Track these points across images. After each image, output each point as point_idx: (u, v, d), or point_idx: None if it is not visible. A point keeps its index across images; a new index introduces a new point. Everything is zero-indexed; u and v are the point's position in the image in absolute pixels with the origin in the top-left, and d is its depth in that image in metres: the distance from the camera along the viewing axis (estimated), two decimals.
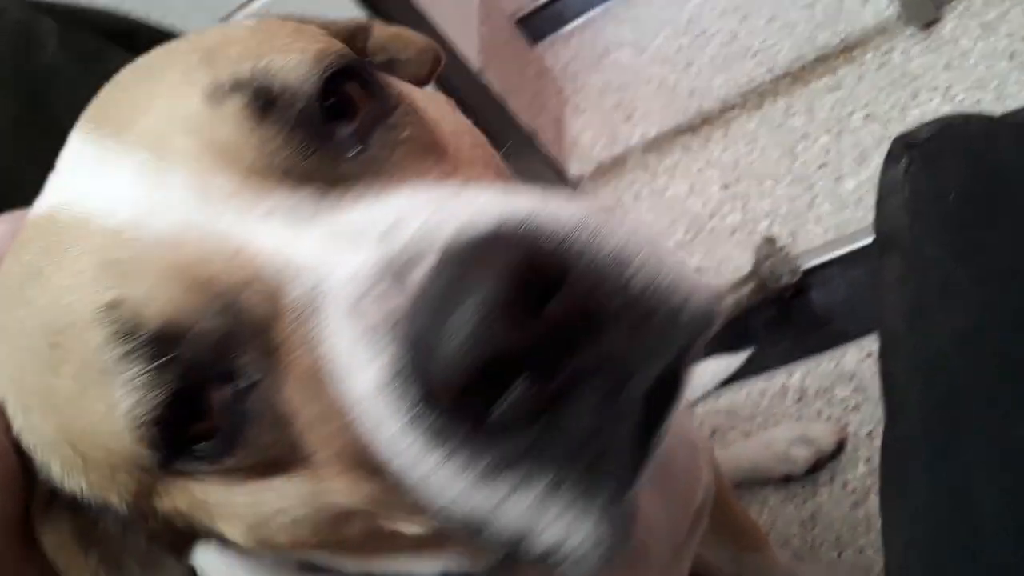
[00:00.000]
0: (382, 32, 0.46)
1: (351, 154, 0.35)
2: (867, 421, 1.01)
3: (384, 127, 0.37)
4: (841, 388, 1.06)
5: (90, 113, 0.40)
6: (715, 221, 1.34)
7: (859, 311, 1.11)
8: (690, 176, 1.43)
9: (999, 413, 0.35)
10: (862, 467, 0.99)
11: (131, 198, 0.33)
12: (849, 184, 1.22)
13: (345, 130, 0.35)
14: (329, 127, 0.35)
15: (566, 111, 1.69)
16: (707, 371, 1.19)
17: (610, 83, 1.66)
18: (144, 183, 0.33)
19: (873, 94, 1.28)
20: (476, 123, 1.64)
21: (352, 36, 0.44)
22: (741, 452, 1.07)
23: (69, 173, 0.37)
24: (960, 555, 0.35)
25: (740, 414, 1.14)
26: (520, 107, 1.49)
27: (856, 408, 1.03)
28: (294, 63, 0.35)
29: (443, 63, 0.51)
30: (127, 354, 0.31)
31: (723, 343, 1.20)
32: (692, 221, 1.37)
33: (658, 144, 1.50)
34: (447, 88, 1.52)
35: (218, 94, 0.34)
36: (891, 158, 0.46)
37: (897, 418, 0.40)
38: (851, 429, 1.02)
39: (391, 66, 0.48)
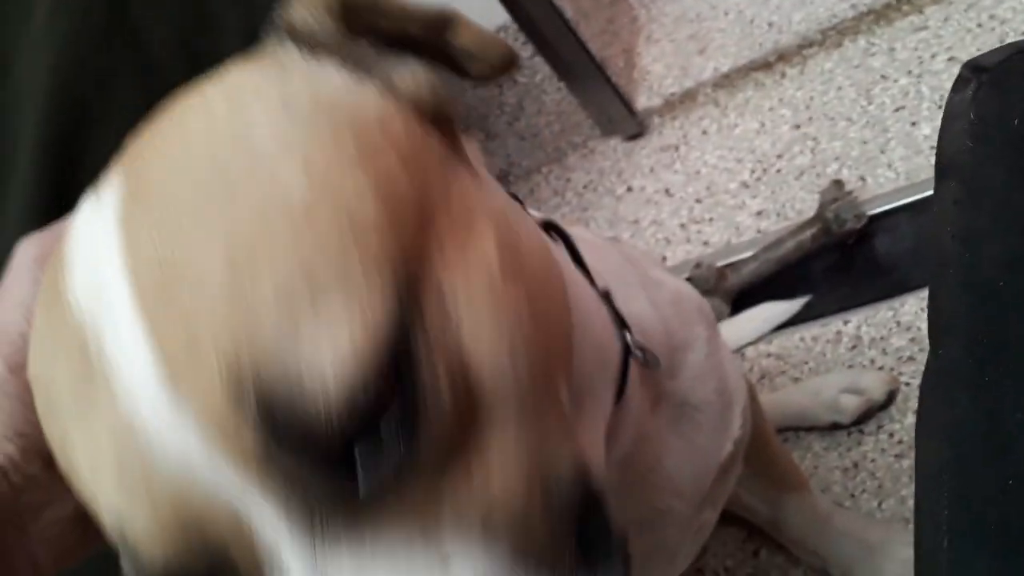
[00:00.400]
0: (469, 34, 0.42)
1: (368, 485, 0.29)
2: (920, 373, 0.98)
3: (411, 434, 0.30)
4: (897, 338, 1.03)
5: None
6: (783, 162, 1.31)
7: (923, 261, 1.07)
8: (761, 114, 1.39)
9: None
10: (910, 418, 0.97)
11: (149, 387, 0.29)
12: (925, 129, 1.18)
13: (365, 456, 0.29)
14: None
15: (639, 41, 1.65)
16: (761, 316, 1.17)
17: (687, 13, 1.62)
18: (163, 391, 0.29)
19: (959, 36, 1.23)
20: (544, 50, 1.62)
21: (435, 28, 0.40)
22: (789, 397, 1.06)
23: (96, 259, 0.32)
24: (992, 479, 0.35)
25: (791, 359, 1.12)
26: (592, 34, 1.47)
27: (911, 359, 1.01)
28: (326, 380, 0.28)
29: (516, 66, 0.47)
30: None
31: (781, 287, 1.18)
32: (759, 161, 1.34)
33: (730, 80, 1.46)
34: (518, 14, 1.52)
35: (237, 398, 0.28)
36: (960, 82, 0.44)
37: (942, 341, 0.39)
38: (904, 380, 1.00)
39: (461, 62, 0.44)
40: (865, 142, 1.23)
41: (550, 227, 0.48)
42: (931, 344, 0.40)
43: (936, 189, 0.41)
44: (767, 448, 0.83)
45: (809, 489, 0.88)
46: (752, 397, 0.76)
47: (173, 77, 0.84)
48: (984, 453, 0.34)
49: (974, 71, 0.43)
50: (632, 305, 0.51)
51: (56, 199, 0.74)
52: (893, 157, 1.19)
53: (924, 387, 0.40)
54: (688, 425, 0.57)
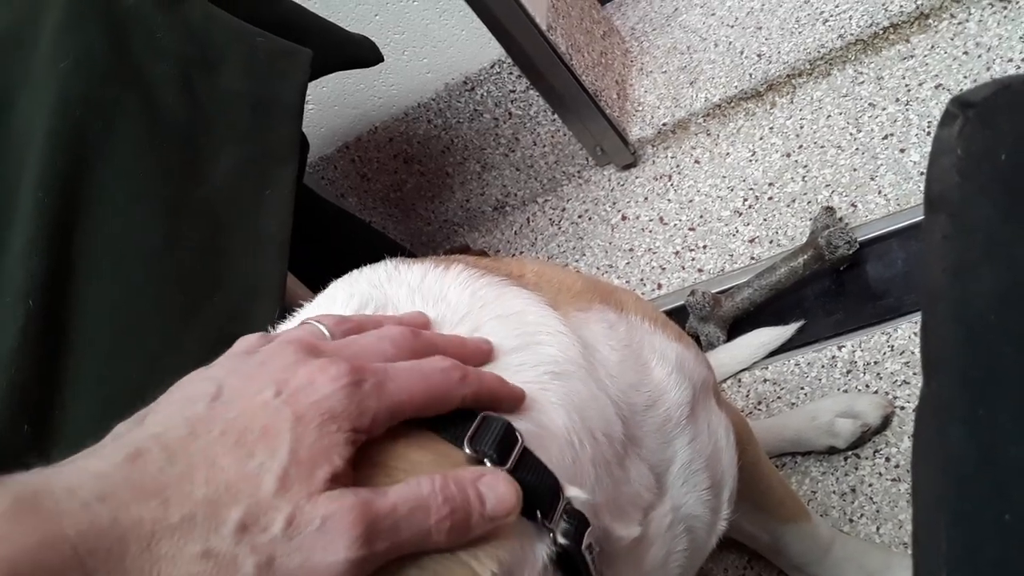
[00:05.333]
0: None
1: None
2: (915, 396, 1.00)
3: None
4: (891, 362, 1.04)
5: None
6: (775, 190, 1.33)
7: (915, 285, 1.09)
8: (752, 143, 1.41)
9: None
10: (907, 442, 0.98)
11: None
12: (914, 156, 1.20)
13: None
14: None
15: (631, 73, 1.68)
16: (756, 341, 1.18)
17: (677, 45, 1.64)
18: None
19: (946, 64, 1.25)
20: (539, 83, 1.65)
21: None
22: (785, 422, 1.07)
23: None
24: (989, 513, 0.35)
25: (786, 384, 1.13)
26: (585, 67, 1.48)
27: (905, 383, 1.02)
28: None
29: None
30: None
31: (775, 313, 1.19)
32: (751, 189, 1.36)
33: (722, 109, 1.48)
34: (512, 48, 1.55)
35: None
36: (947, 117, 0.45)
37: (934, 375, 0.40)
38: (899, 404, 1.01)
39: None
40: (855, 169, 1.25)
41: None
42: (924, 376, 0.40)
43: (925, 224, 0.42)
44: (763, 480, 0.83)
45: (808, 517, 0.88)
46: (748, 439, 0.77)
47: (175, 114, 0.86)
48: (979, 487, 0.35)
49: (961, 107, 0.44)
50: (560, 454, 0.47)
51: (58, 237, 0.74)
52: (883, 183, 1.20)
53: (918, 419, 0.41)
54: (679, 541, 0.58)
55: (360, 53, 1.14)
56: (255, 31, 0.92)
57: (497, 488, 0.40)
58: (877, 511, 0.95)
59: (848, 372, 1.07)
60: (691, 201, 1.43)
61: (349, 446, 0.38)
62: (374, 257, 0.59)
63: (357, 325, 0.47)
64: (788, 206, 1.29)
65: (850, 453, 1.01)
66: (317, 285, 0.58)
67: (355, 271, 0.57)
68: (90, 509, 0.33)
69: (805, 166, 1.31)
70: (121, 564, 0.33)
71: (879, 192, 1.20)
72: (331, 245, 1.28)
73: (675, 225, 1.42)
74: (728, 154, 1.44)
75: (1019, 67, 1.16)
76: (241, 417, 0.38)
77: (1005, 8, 1.23)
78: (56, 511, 0.33)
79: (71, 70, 0.78)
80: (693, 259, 1.36)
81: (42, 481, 0.34)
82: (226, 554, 0.34)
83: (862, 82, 1.34)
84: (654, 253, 1.42)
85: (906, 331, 1.05)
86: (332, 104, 1.58)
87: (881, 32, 1.34)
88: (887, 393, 1.02)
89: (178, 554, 0.34)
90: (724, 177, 1.41)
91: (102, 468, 0.35)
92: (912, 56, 1.30)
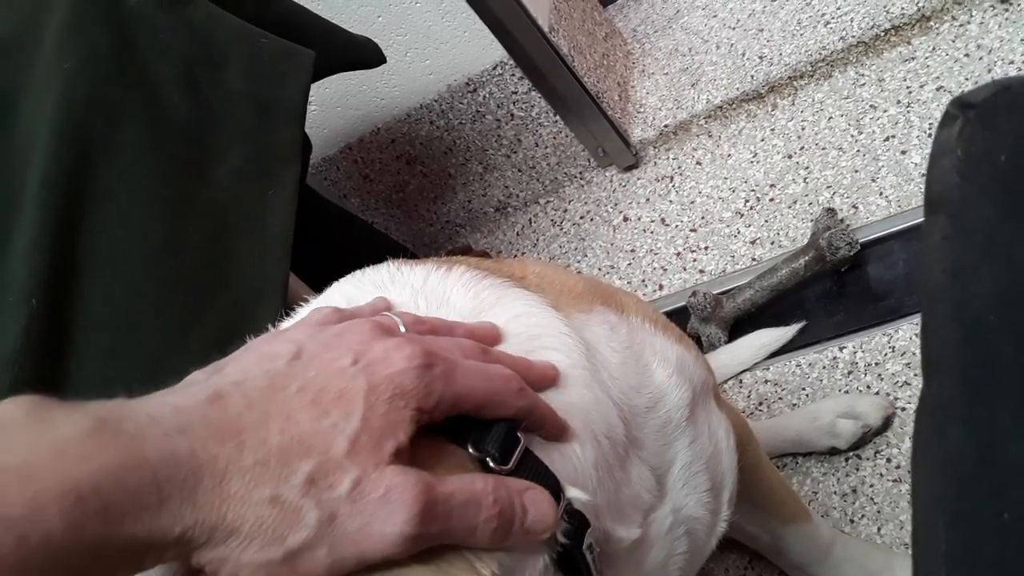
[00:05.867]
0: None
1: None
2: (916, 397, 1.00)
3: None
4: (892, 363, 1.04)
5: None
6: (776, 191, 1.33)
7: (916, 287, 1.09)
8: (754, 144, 1.42)
9: None
10: (907, 443, 0.98)
11: None
12: (915, 157, 1.20)
13: None
14: None
15: (633, 74, 1.68)
16: (757, 342, 1.18)
17: (679, 47, 1.64)
18: None
19: (947, 66, 1.25)
20: (541, 84, 1.65)
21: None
22: (786, 423, 1.07)
23: None
24: (988, 513, 0.35)
25: (788, 385, 1.13)
26: (587, 69, 1.49)
27: (906, 384, 1.02)
28: None
29: None
30: None
31: (776, 314, 1.19)
32: (753, 190, 1.36)
33: (723, 111, 1.49)
34: (514, 50, 1.55)
35: None
36: (947, 119, 0.46)
37: (934, 375, 0.40)
38: (900, 405, 1.01)
39: None
40: (856, 171, 1.25)
41: None
42: (924, 377, 0.41)
43: (925, 225, 0.43)
44: (764, 481, 0.83)
45: (809, 518, 0.88)
46: (748, 440, 0.77)
47: (178, 114, 0.86)
48: (979, 487, 0.35)
49: (961, 108, 0.45)
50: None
51: (62, 236, 0.75)
52: (884, 185, 1.21)
53: (918, 419, 0.41)
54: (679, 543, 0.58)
55: (363, 54, 1.15)
56: (258, 32, 0.92)
57: (541, 505, 0.41)
58: (878, 512, 0.96)
59: (849, 373, 1.08)
60: (693, 202, 1.43)
61: (413, 424, 0.39)
62: (376, 258, 0.59)
63: (431, 328, 0.48)
64: (789, 207, 1.29)
65: (851, 454, 1.01)
66: (319, 285, 0.58)
67: (357, 272, 0.57)
68: (171, 439, 0.35)
69: (806, 167, 1.31)
70: (193, 495, 0.34)
71: (880, 193, 1.20)
72: (334, 246, 1.28)
73: (677, 226, 1.43)
74: (730, 155, 1.44)
75: (1020, 69, 1.16)
76: (319, 378, 0.39)
77: (1007, 10, 1.23)
78: (138, 435, 0.34)
79: (75, 71, 0.78)
80: (694, 260, 1.36)
81: (125, 408, 0.36)
82: (293, 503, 0.35)
83: (863, 84, 1.34)
84: (656, 254, 1.42)
85: (907, 332, 1.05)
86: (335, 105, 1.58)
87: (882, 34, 1.34)
88: (888, 394, 1.03)
89: (247, 496, 0.35)
90: (726, 178, 1.41)
91: (183, 404, 0.37)
92: (913, 58, 1.30)
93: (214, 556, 0.35)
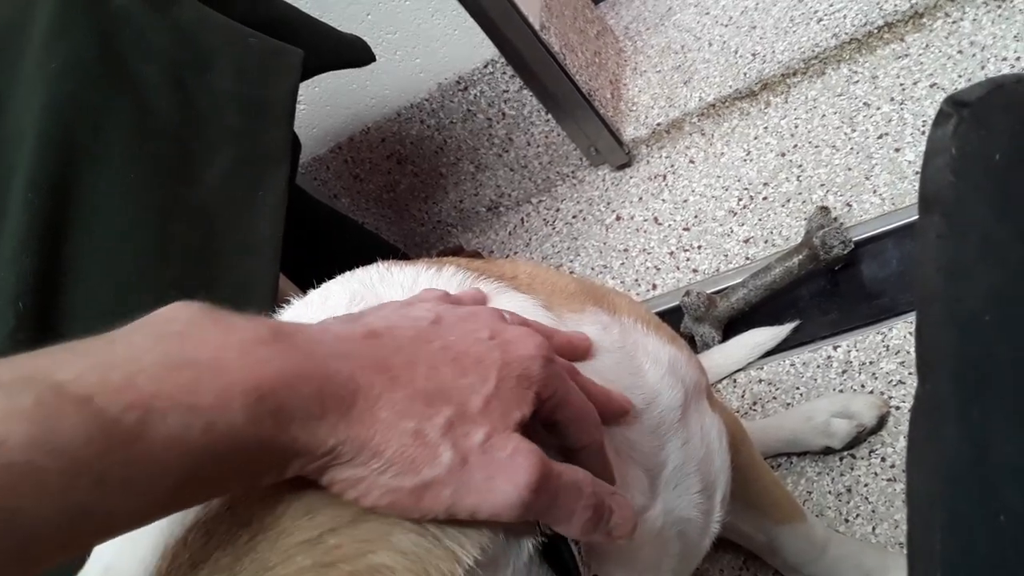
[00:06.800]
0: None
1: None
2: (910, 396, 1.00)
3: None
4: (887, 362, 1.04)
5: None
6: (769, 189, 1.33)
7: (910, 285, 1.09)
8: (747, 142, 1.41)
9: None
10: (902, 442, 0.98)
11: None
12: (909, 155, 1.20)
13: None
14: None
15: (625, 72, 1.67)
16: (751, 342, 1.18)
17: (671, 44, 1.64)
18: None
19: (940, 63, 1.25)
20: (532, 83, 1.65)
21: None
22: (781, 423, 1.07)
23: None
24: (983, 514, 0.35)
25: (782, 384, 1.13)
26: (578, 67, 1.48)
27: (900, 382, 1.02)
28: None
29: None
30: None
31: (770, 313, 1.19)
32: (746, 188, 1.36)
33: (716, 109, 1.48)
34: (506, 48, 1.55)
35: None
36: (941, 117, 0.45)
37: (928, 375, 0.40)
38: (894, 404, 1.01)
39: None
40: (850, 169, 1.25)
41: None
42: (919, 377, 0.40)
43: (919, 223, 0.42)
44: (758, 481, 0.83)
45: (804, 518, 0.88)
46: (742, 440, 0.77)
47: (166, 115, 0.85)
48: (974, 488, 0.35)
49: (955, 106, 0.44)
50: None
51: (49, 239, 0.74)
52: (878, 183, 1.20)
53: (913, 419, 0.40)
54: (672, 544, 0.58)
55: (352, 53, 1.14)
56: (246, 31, 0.91)
57: (625, 510, 0.44)
58: (873, 511, 0.95)
59: (843, 372, 1.07)
60: (686, 201, 1.43)
61: (532, 405, 0.42)
62: (367, 258, 0.58)
63: (536, 330, 0.50)
64: (783, 206, 1.29)
65: (846, 453, 1.01)
66: (309, 286, 0.58)
67: (347, 273, 0.57)
68: (334, 360, 0.38)
69: (800, 166, 1.31)
70: (348, 414, 0.37)
71: (874, 191, 1.20)
72: (324, 246, 1.28)
73: (670, 225, 1.42)
74: (723, 154, 1.43)
75: (1013, 66, 1.16)
76: (460, 342, 0.42)
77: (999, 7, 1.23)
78: (308, 351, 0.37)
79: (61, 72, 0.77)
80: (688, 259, 1.36)
81: (292, 326, 0.39)
82: (433, 440, 0.38)
83: (857, 81, 1.34)
84: (649, 253, 1.42)
85: (901, 331, 1.05)
86: (324, 104, 1.58)
87: (876, 31, 1.34)
88: (882, 393, 1.02)
89: (394, 424, 0.38)
90: (719, 177, 1.41)
91: (343, 334, 0.40)
92: (907, 55, 1.30)
93: (351, 475, 0.37)
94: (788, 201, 1.29)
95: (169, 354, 0.34)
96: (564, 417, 0.44)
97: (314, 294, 0.56)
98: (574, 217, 1.59)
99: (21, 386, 0.31)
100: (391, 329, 0.42)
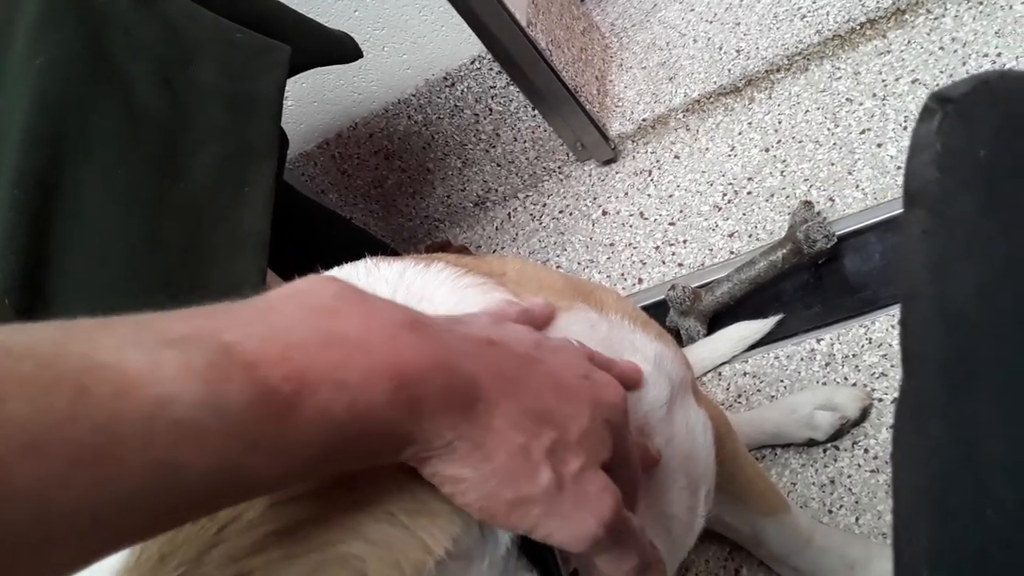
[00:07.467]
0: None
1: None
2: (893, 388, 1.01)
3: None
4: (869, 354, 1.05)
5: None
6: (754, 184, 1.33)
7: (892, 279, 1.10)
8: (731, 138, 1.42)
9: (1015, 367, 0.35)
10: (885, 433, 0.99)
11: None
12: (891, 150, 1.21)
13: None
14: None
15: (611, 68, 1.68)
16: (736, 335, 1.19)
17: (656, 41, 1.65)
18: None
19: (922, 59, 1.26)
20: (519, 79, 1.65)
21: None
22: (765, 415, 1.07)
23: None
24: (970, 509, 0.35)
25: (766, 377, 1.14)
26: (565, 63, 1.48)
27: (883, 375, 1.03)
28: None
29: None
30: None
31: (754, 307, 1.20)
32: (730, 183, 1.36)
33: (701, 105, 1.49)
34: (492, 44, 1.55)
35: None
36: (926, 113, 0.45)
37: (914, 370, 0.40)
38: (877, 396, 1.02)
39: None
40: (833, 164, 1.26)
41: None
42: (904, 372, 0.41)
43: (904, 219, 0.43)
44: (743, 473, 0.83)
45: (788, 509, 0.89)
46: (727, 433, 0.77)
47: (152, 111, 0.85)
48: (961, 483, 0.35)
49: (940, 102, 0.45)
50: None
51: (35, 235, 0.74)
52: (860, 178, 1.21)
53: (898, 414, 0.41)
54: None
55: (339, 49, 1.14)
56: (233, 27, 0.91)
57: (660, 570, 0.46)
58: (856, 502, 0.96)
59: (827, 365, 1.08)
60: (671, 196, 1.43)
61: (610, 452, 0.43)
62: (355, 254, 0.58)
63: (607, 363, 0.52)
64: (767, 200, 1.30)
65: (829, 445, 1.02)
66: None
67: (334, 269, 0.57)
68: (463, 358, 0.39)
69: (783, 161, 1.32)
70: (469, 413, 0.38)
71: (857, 186, 1.21)
72: (312, 242, 1.27)
73: (655, 220, 1.43)
74: (707, 149, 1.44)
75: (995, 62, 1.17)
76: (560, 371, 0.43)
77: (981, 3, 1.24)
78: (442, 344, 0.38)
79: (47, 68, 0.77)
80: (673, 254, 1.37)
81: (426, 316, 0.40)
82: (536, 459, 0.39)
83: (839, 77, 1.34)
84: (635, 248, 1.43)
85: (884, 324, 1.06)
86: (311, 100, 1.57)
87: (858, 27, 1.35)
88: (865, 385, 1.03)
89: (506, 435, 0.38)
90: (703, 172, 1.42)
91: (469, 335, 0.41)
92: (889, 51, 1.31)
93: (456, 473, 0.38)
94: (772, 196, 1.30)
95: (320, 329, 0.35)
96: (618, 476, 0.44)
97: None
98: (560, 212, 1.59)
99: (193, 345, 0.32)
100: (504, 341, 0.43)
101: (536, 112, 1.52)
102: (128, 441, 0.29)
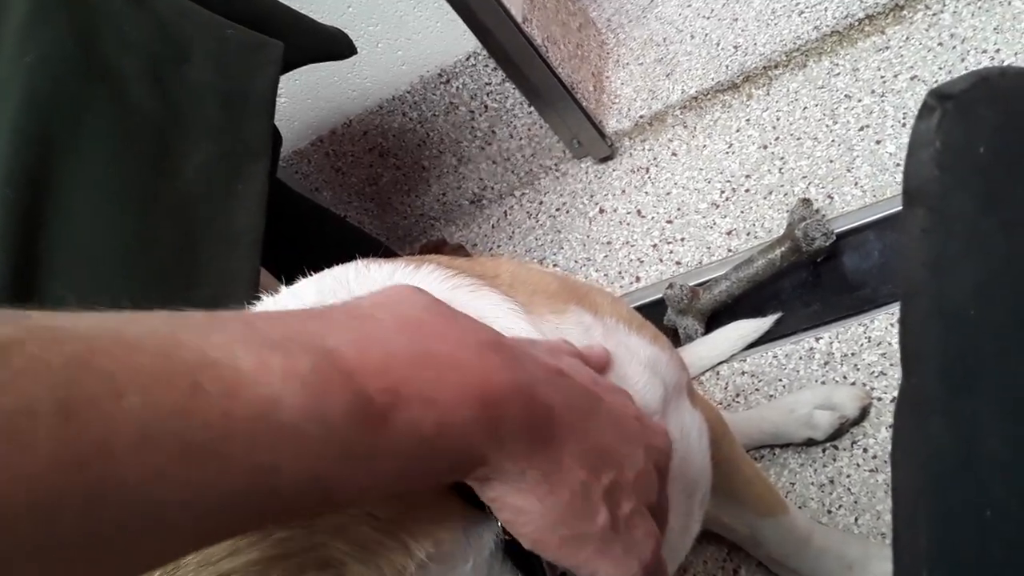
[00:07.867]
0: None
1: None
2: (892, 387, 1.00)
3: None
4: (868, 353, 1.05)
5: None
6: (752, 182, 1.33)
7: (891, 277, 1.09)
8: (729, 135, 1.41)
9: (1014, 365, 0.35)
10: (884, 433, 0.98)
11: None
12: (890, 147, 1.20)
13: None
14: None
15: (608, 65, 1.67)
16: (734, 334, 1.18)
17: (653, 37, 1.64)
18: None
19: (921, 55, 1.25)
20: (515, 76, 1.64)
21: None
22: (764, 415, 1.07)
23: None
24: (970, 508, 0.35)
25: (765, 376, 1.13)
26: (561, 60, 1.48)
27: (882, 374, 1.02)
28: None
29: None
30: None
31: (752, 306, 1.19)
32: (728, 181, 1.36)
33: (698, 102, 1.48)
34: (488, 41, 1.54)
35: None
36: (925, 110, 0.45)
37: (913, 369, 0.40)
38: (876, 395, 1.01)
39: None
40: (831, 161, 1.25)
41: None
42: (903, 371, 0.40)
43: (904, 217, 0.42)
44: (741, 474, 0.83)
45: (787, 510, 0.89)
46: (724, 434, 0.77)
47: (144, 108, 0.84)
48: (960, 482, 0.35)
49: (939, 99, 0.44)
50: None
51: (26, 234, 0.73)
52: (859, 175, 1.21)
53: (898, 413, 0.40)
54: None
55: (333, 46, 1.13)
56: (225, 24, 0.90)
57: None
58: (855, 502, 0.96)
59: (826, 364, 1.08)
60: (668, 194, 1.43)
61: (655, 497, 0.45)
62: (349, 252, 0.58)
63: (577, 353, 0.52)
64: (765, 198, 1.29)
65: (828, 445, 1.01)
66: (290, 280, 0.57)
67: (325, 270, 0.56)
68: (541, 386, 0.39)
69: (782, 158, 1.31)
70: (545, 446, 0.38)
71: (855, 183, 1.20)
72: (306, 240, 1.27)
73: (653, 218, 1.42)
74: (705, 146, 1.44)
75: (993, 58, 1.17)
76: (617, 411, 0.44)
77: None
78: (523, 368, 0.38)
79: (37, 65, 0.76)
80: (671, 252, 1.36)
81: (504, 337, 0.40)
82: (595, 500, 0.40)
83: (838, 74, 1.34)
84: (632, 246, 1.42)
85: (883, 322, 1.05)
86: (305, 97, 1.56)
87: (856, 24, 1.34)
88: (865, 384, 1.03)
89: (572, 472, 0.39)
90: (701, 169, 1.41)
91: (543, 361, 0.41)
92: (887, 48, 1.30)
93: (519, 503, 0.38)
94: (770, 193, 1.29)
95: (413, 342, 0.35)
96: (655, 516, 0.45)
97: (284, 290, 0.56)
98: (557, 210, 1.59)
99: (297, 347, 0.31)
100: (572, 373, 0.43)
101: (532, 109, 1.52)
102: (235, 441, 0.28)
